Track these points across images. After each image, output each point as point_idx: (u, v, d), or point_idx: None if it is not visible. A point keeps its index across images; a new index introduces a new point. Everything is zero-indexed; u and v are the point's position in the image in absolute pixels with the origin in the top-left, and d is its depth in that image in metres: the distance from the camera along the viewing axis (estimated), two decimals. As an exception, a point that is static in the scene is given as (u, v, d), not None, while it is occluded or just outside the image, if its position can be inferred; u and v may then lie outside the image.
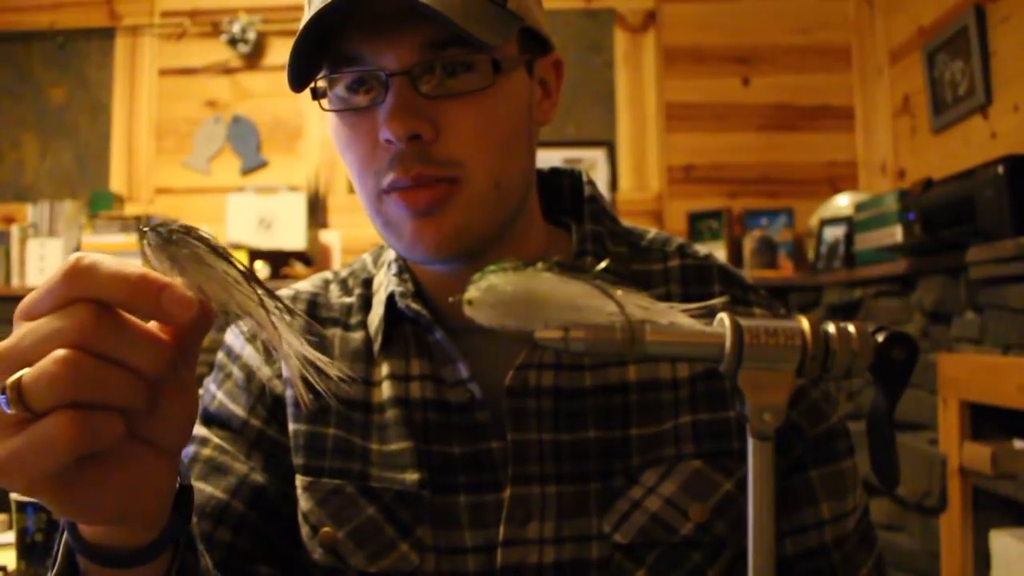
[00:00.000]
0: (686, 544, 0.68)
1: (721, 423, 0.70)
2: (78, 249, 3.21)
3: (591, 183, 0.80)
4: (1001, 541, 1.91)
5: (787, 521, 0.71)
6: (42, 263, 3.21)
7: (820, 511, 0.71)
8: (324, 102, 0.67)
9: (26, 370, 0.38)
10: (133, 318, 0.40)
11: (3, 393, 0.38)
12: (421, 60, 0.63)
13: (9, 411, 0.38)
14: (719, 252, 3.16)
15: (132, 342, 0.39)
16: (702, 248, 0.80)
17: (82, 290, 0.39)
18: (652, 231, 0.81)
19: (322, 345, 0.75)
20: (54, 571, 0.48)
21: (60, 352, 0.38)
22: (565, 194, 0.81)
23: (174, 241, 0.41)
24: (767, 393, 0.41)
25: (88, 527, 0.45)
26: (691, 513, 0.68)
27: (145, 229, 0.42)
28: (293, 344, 0.43)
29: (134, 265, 0.40)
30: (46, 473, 0.39)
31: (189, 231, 0.42)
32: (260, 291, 0.43)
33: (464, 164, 0.64)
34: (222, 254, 0.42)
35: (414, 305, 0.72)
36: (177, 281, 0.41)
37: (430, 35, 0.62)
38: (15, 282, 3.24)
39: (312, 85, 0.67)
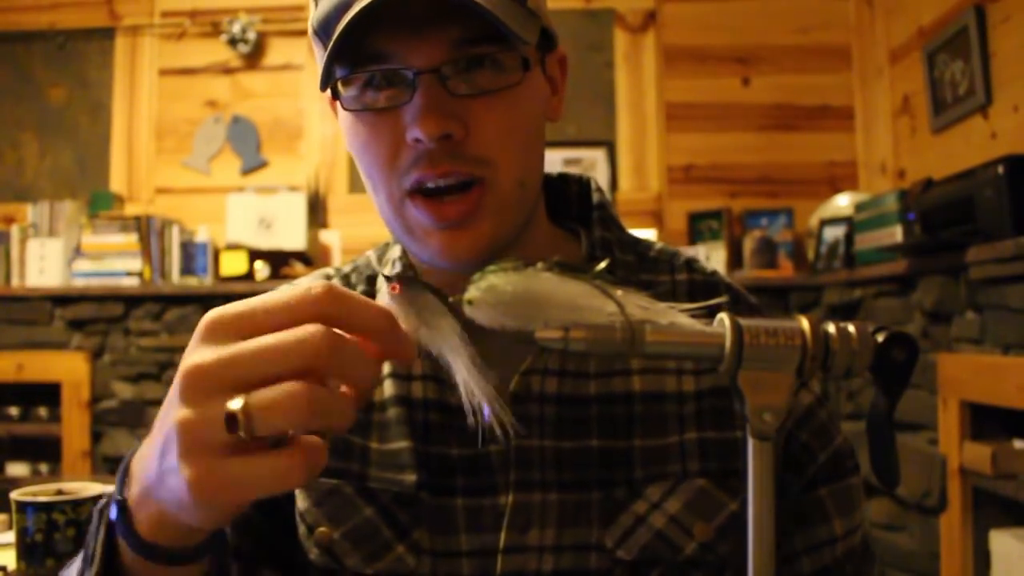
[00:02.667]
0: (689, 563, 0.67)
1: (728, 442, 0.70)
2: (78, 249, 3.21)
3: (600, 190, 0.79)
4: (1001, 541, 1.91)
5: (803, 540, 0.72)
6: (42, 263, 3.20)
7: (833, 528, 0.72)
8: (342, 102, 0.65)
9: (258, 395, 0.39)
10: (353, 339, 0.42)
11: (232, 420, 0.39)
12: (449, 56, 0.61)
13: (234, 434, 0.39)
14: (719, 252, 3.16)
15: (361, 363, 0.42)
16: (708, 264, 0.81)
17: (327, 314, 0.41)
18: (658, 243, 0.81)
19: None
20: (93, 570, 0.49)
21: (297, 387, 0.39)
22: (572, 200, 0.81)
23: (414, 290, 0.46)
24: (767, 393, 0.41)
25: (151, 528, 0.46)
26: (695, 532, 0.67)
27: (395, 277, 0.46)
28: (478, 392, 0.47)
29: (376, 303, 0.43)
30: (256, 498, 0.40)
31: (427, 285, 0.46)
32: (469, 351, 0.47)
33: (493, 163, 0.63)
34: (451, 308, 0.46)
35: None
36: (402, 323, 0.44)
37: (461, 32, 0.61)
38: (15, 282, 3.24)
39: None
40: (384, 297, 0.46)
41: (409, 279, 0.46)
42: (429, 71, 0.61)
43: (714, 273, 0.79)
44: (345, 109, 0.65)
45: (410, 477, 0.69)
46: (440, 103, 0.61)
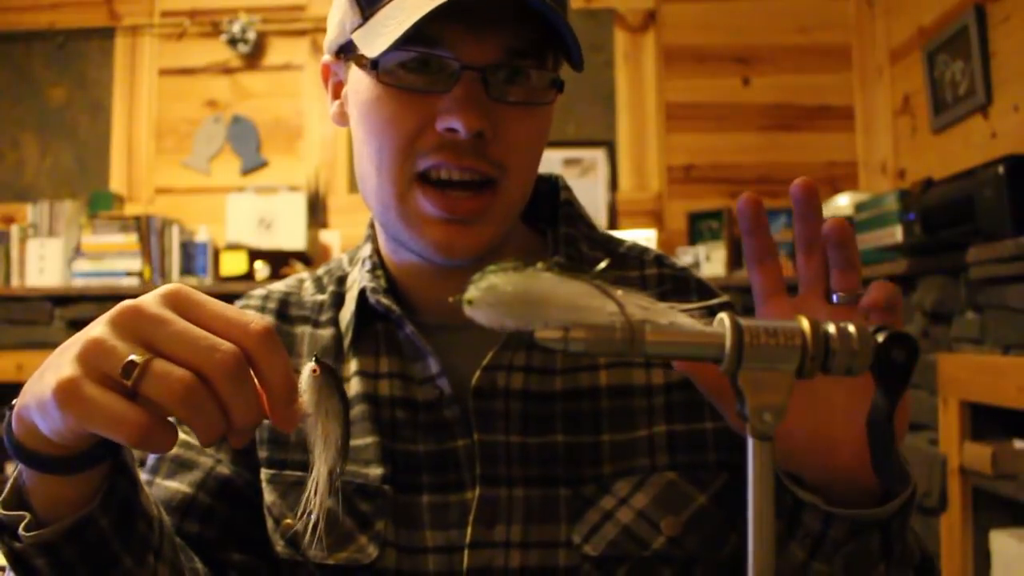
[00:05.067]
0: (657, 559, 0.67)
1: (697, 435, 0.70)
2: (78, 249, 3.21)
3: (567, 188, 0.81)
4: (1001, 541, 1.91)
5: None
6: (42, 263, 3.20)
7: None
8: (378, 73, 0.64)
9: (161, 362, 0.44)
10: (256, 382, 0.46)
11: (131, 367, 0.43)
12: (498, 60, 0.63)
13: (122, 379, 0.43)
14: (719, 252, 3.16)
15: (247, 401, 0.45)
16: (678, 261, 0.82)
17: (249, 347, 0.45)
18: (629, 241, 0.82)
19: (289, 342, 0.76)
20: (4, 495, 0.52)
21: (188, 376, 0.43)
22: (542, 200, 0.81)
23: (329, 384, 0.49)
24: (767, 393, 0.40)
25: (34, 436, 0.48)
26: (663, 527, 0.67)
27: (323, 363, 0.49)
28: (317, 502, 0.51)
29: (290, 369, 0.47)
30: (92, 429, 0.44)
31: (342, 389, 0.50)
32: (335, 462, 0.51)
33: (508, 169, 0.65)
34: (347, 417, 0.51)
35: (384, 300, 0.72)
36: (301, 400, 0.48)
37: (515, 40, 0.63)
38: (15, 282, 3.24)
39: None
40: (304, 370, 0.49)
41: (333, 372, 0.50)
42: (476, 68, 0.62)
43: (684, 269, 0.79)
44: (381, 82, 0.64)
45: (376, 471, 0.69)
46: (479, 100, 0.62)
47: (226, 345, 0.44)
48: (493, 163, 0.64)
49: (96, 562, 0.52)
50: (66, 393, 0.43)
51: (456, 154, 0.63)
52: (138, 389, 0.43)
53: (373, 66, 0.64)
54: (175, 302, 0.46)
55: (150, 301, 0.46)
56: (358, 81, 0.67)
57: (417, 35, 0.61)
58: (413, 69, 0.63)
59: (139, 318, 0.45)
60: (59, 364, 0.45)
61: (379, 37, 0.62)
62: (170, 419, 0.45)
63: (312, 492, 0.51)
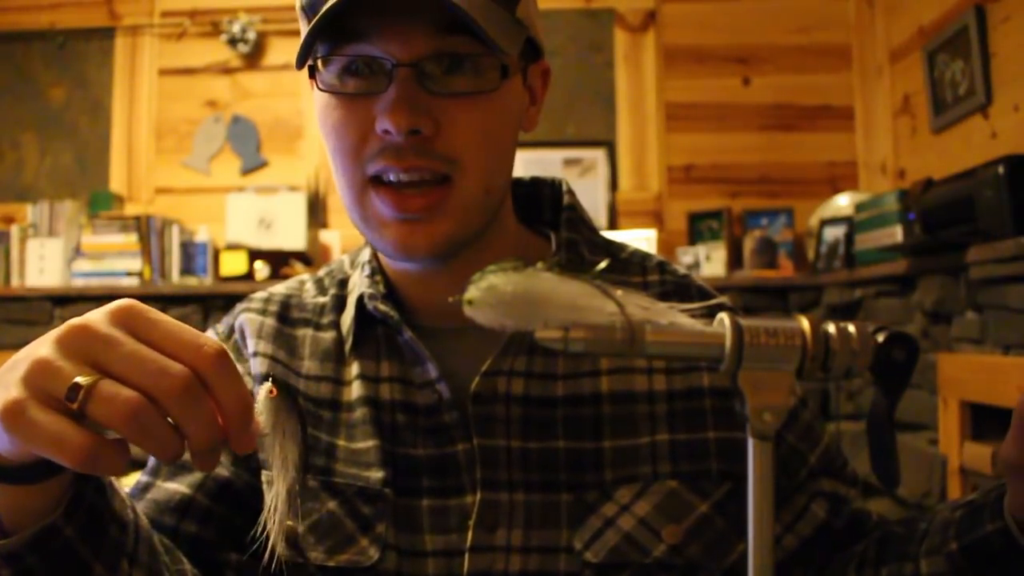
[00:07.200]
0: (658, 566, 0.67)
1: (699, 444, 0.70)
2: (78, 249, 3.21)
3: (570, 192, 0.80)
4: (1001, 541, 1.91)
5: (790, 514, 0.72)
6: (42, 263, 3.20)
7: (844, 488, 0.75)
8: (319, 81, 0.65)
9: (107, 384, 0.42)
10: (211, 402, 0.44)
11: (75, 389, 0.42)
12: (430, 53, 0.62)
13: (67, 402, 0.42)
14: (719, 252, 3.16)
15: (201, 421, 0.43)
16: (680, 267, 0.81)
17: (202, 370, 0.43)
18: (631, 247, 0.82)
19: (291, 345, 0.76)
20: None
21: (135, 398, 0.42)
22: (545, 204, 0.81)
23: (286, 404, 0.49)
24: (767, 393, 0.41)
25: None
26: (665, 534, 0.67)
27: (280, 383, 0.49)
28: (280, 509, 0.52)
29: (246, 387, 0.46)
30: (36, 452, 0.43)
31: (300, 409, 0.50)
32: (293, 478, 0.51)
33: (460, 163, 0.64)
34: (304, 436, 0.50)
35: (382, 307, 0.72)
36: (258, 420, 0.47)
37: (442, 20, 0.61)
38: (15, 282, 3.24)
39: (309, 62, 0.65)
40: (261, 391, 0.48)
41: (290, 391, 0.49)
42: (408, 65, 0.61)
43: (686, 276, 0.79)
44: (320, 89, 0.65)
45: (377, 474, 0.69)
46: (414, 98, 0.61)
47: (176, 367, 0.43)
48: (442, 159, 0.63)
49: (64, 570, 0.50)
50: (11, 416, 0.42)
51: (398, 156, 0.62)
52: (85, 411, 0.42)
53: (311, 74, 0.65)
54: (126, 319, 0.45)
55: (99, 319, 0.45)
56: (315, 89, 0.67)
57: (347, 34, 0.62)
58: (354, 72, 0.63)
59: (86, 338, 0.44)
60: (6, 385, 0.43)
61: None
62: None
63: (271, 511, 0.51)
